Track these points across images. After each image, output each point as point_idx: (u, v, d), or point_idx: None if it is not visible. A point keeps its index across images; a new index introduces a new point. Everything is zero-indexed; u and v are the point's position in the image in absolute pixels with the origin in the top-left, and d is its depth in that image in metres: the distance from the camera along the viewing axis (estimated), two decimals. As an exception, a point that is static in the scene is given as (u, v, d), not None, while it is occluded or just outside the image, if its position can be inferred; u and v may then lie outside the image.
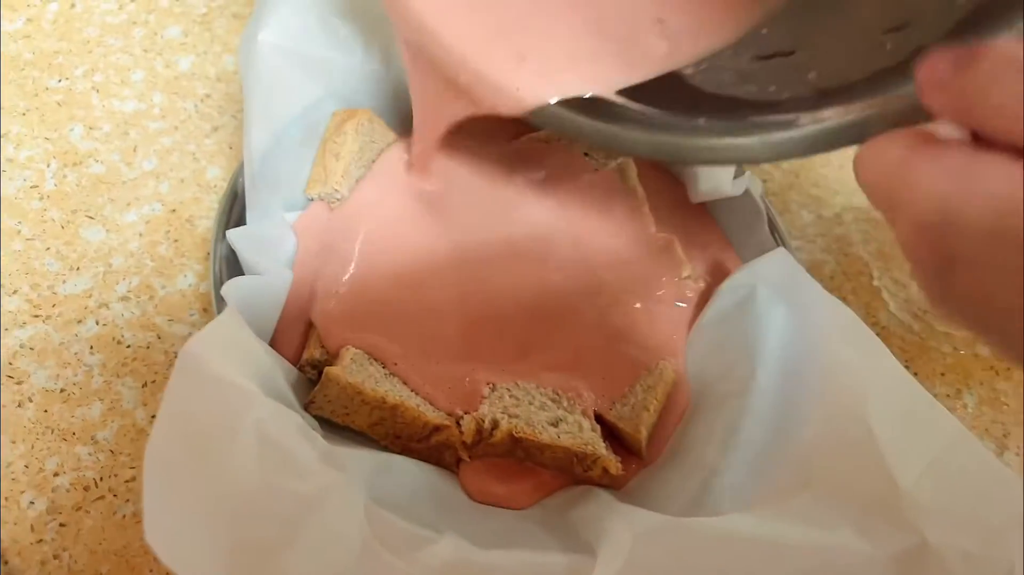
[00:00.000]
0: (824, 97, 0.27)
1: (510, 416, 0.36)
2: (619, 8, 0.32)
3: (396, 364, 0.38)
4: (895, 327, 0.49)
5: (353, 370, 0.35)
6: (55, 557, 0.34)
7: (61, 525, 0.35)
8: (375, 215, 0.41)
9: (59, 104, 0.46)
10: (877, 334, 0.37)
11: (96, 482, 0.36)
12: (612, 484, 0.37)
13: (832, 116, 0.25)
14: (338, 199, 0.41)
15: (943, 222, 0.19)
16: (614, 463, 0.35)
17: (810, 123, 0.25)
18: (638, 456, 0.37)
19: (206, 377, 0.29)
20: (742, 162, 0.32)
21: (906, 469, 0.33)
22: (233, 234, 0.37)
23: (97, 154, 0.45)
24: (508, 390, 0.37)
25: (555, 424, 0.36)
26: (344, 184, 0.41)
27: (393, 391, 0.35)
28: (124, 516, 0.35)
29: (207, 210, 0.44)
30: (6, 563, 0.34)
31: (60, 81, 0.47)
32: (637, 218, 0.42)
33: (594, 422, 0.37)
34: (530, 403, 0.37)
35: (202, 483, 0.28)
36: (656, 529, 0.32)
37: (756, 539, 0.31)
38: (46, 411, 0.37)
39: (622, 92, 0.31)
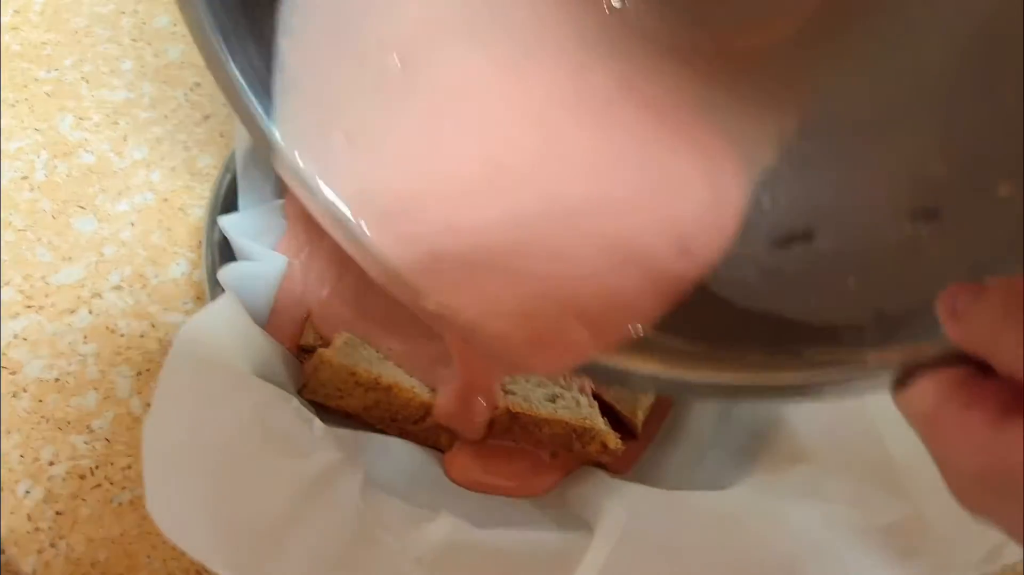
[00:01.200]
0: (883, 324, 0.23)
1: (507, 392, 0.36)
2: (635, 233, 0.28)
3: (391, 349, 0.37)
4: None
5: (347, 352, 0.35)
6: (52, 545, 0.34)
7: (58, 513, 0.35)
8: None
9: (48, 95, 0.46)
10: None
11: (92, 470, 0.36)
12: (612, 465, 0.37)
13: (896, 356, 0.21)
14: (329, 184, 0.41)
15: (985, 482, 0.18)
16: (613, 437, 0.35)
17: (879, 365, 0.21)
18: (633, 436, 0.37)
19: (203, 361, 0.30)
20: (801, 399, 0.28)
21: (901, 440, 0.33)
22: (225, 221, 0.37)
23: (87, 144, 0.45)
24: None
25: (552, 400, 0.36)
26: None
27: (388, 372, 0.35)
28: (120, 504, 0.35)
29: (199, 198, 0.44)
30: (3, 552, 0.34)
31: (49, 72, 0.47)
32: None
33: (591, 398, 0.37)
34: (527, 380, 0.37)
35: (202, 463, 0.28)
36: (651, 504, 0.32)
37: (751, 512, 0.31)
38: (41, 401, 0.37)
39: (660, 328, 0.27)
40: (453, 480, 0.35)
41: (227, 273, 0.34)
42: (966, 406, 0.18)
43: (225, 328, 0.31)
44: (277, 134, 0.27)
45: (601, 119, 0.29)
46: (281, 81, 0.27)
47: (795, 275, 0.27)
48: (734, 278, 0.27)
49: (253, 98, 0.27)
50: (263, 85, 0.27)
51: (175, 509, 0.27)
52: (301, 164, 0.27)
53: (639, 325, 0.26)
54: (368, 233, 0.28)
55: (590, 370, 0.26)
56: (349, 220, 0.27)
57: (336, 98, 0.28)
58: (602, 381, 0.27)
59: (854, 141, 0.28)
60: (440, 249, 0.28)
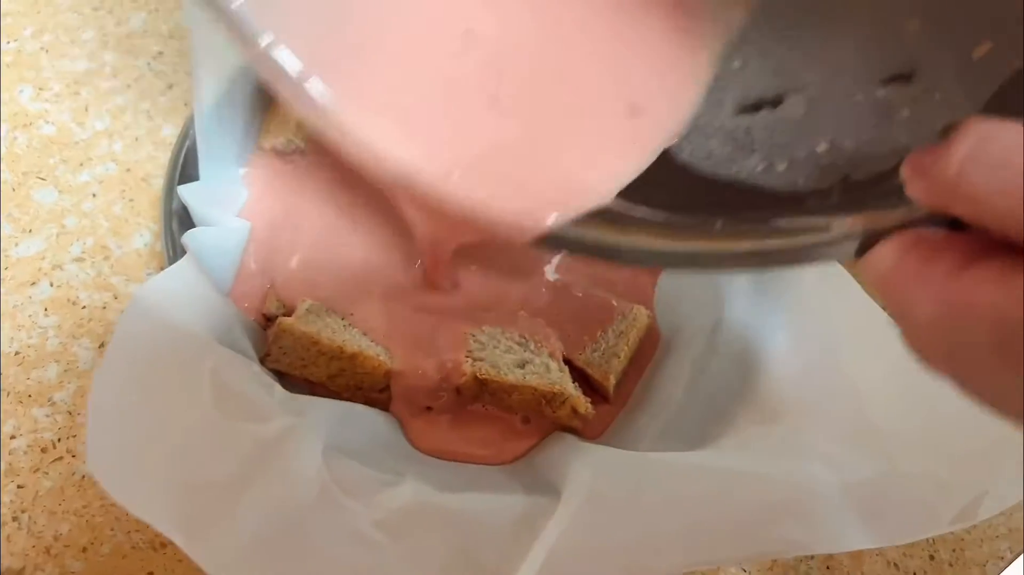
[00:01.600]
0: (848, 190, 0.23)
1: (474, 359, 0.35)
2: (591, 95, 0.27)
3: (353, 315, 0.37)
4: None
5: (309, 320, 0.35)
6: (14, 519, 0.34)
7: (19, 487, 0.34)
8: (330, 171, 0.41)
9: (8, 66, 0.45)
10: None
11: (54, 443, 0.35)
12: (584, 430, 0.36)
13: (860, 223, 0.21)
14: (293, 150, 0.40)
15: (942, 335, 0.17)
16: (583, 402, 0.35)
17: (843, 232, 0.21)
18: (605, 401, 0.37)
19: (159, 322, 0.29)
20: (764, 267, 0.28)
21: (875, 398, 0.32)
22: (184, 190, 0.36)
23: (47, 115, 0.44)
24: (473, 335, 0.37)
25: (521, 366, 0.36)
26: (299, 135, 0.40)
27: (352, 341, 0.35)
28: (83, 476, 0.35)
29: (163, 168, 0.43)
30: (-36, 527, 0.33)
31: (9, 43, 0.46)
32: None
33: (562, 363, 0.36)
34: (495, 347, 0.36)
35: (153, 422, 0.27)
36: (617, 464, 0.31)
37: (720, 471, 0.31)
38: (1, 374, 0.36)
39: (622, 196, 0.26)
40: (417, 448, 0.35)
41: (191, 237, 0.33)
42: (926, 260, 0.18)
43: (184, 291, 0.31)
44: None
45: None
46: None
47: (762, 141, 0.26)
48: (700, 145, 0.27)
49: None
50: None
51: (118, 464, 0.26)
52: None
53: (605, 191, 0.26)
54: (325, 92, 0.24)
55: (557, 239, 0.25)
56: (301, 76, 0.24)
57: None
58: (569, 250, 0.26)
59: (828, 3, 0.27)
60: (406, 104, 0.25)
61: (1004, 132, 0.16)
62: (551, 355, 0.36)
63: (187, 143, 0.39)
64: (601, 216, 0.25)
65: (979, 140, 0.17)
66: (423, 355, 0.36)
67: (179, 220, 0.37)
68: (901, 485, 0.31)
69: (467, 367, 0.34)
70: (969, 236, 0.18)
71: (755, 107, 0.27)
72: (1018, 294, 0.16)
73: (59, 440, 0.35)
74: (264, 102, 0.42)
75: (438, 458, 0.35)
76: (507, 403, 0.36)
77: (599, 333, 0.38)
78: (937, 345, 0.18)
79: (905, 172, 0.19)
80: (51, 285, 0.39)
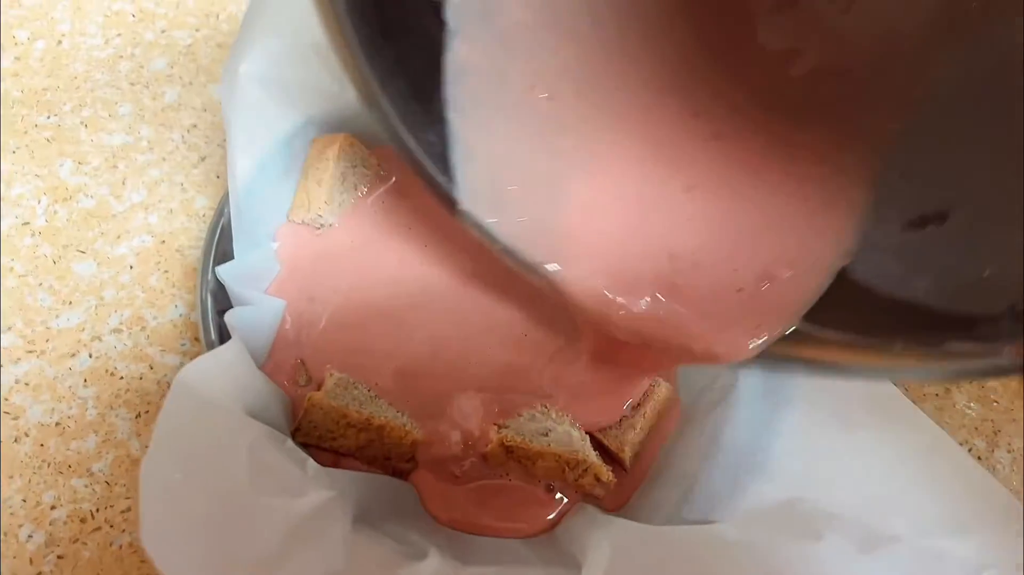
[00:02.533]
0: (1017, 320, 0.23)
1: (500, 427, 0.36)
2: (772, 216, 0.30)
3: (377, 384, 0.38)
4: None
5: (337, 394, 0.36)
6: (54, 589, 0.35)
7: (59, 557, 0.35)
8: (360, 246, 0.42)
9: (48, 140, 0.47)
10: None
11: (92, 514, 0.37)
12: (605, 501, 0.37)
13: None
14: (322, 225, 0.42)
15: None
16: (605, 470, 0.36)
17: (1011, 360, 0.22)
18: (623, 470, 0.38)
19: (200, 402, 0.30)
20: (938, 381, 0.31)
21: (889, 471, 0.33)
22: (221, 270, 0.38)
23: (87, 188, 0.46)
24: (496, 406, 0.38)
25: (545, 434, 0.37)
26: (327, 210, 0.42)
27: (379, 412, 0.36)
28: (120, 547, 0.36)
29: (196, 240, 0.45)
30: (6, 597, 0.35)
31: (49, 118, 0.48)
32: None
33: (583, 433, 0.38)
34: (518, 415, 0.37)
35: (196, 499, 0.28)
36: (638, 539, 0.32)
37: (738, 546, 0.32)
38: (42, 445, 0.38)
39: (809, 319, 0.29)
40: (438, 519, 0.36)
41: (232, 317, 0.35)
42: None
43: (225, 370, 0.32)
44: (460, 198, 0.30)
45: (713, 164, 0.32)
46: (458, 152, 0.30)
47: (931, 259, 0.27)
48: (872, 263, 0.28)
49: (439, 174, 0.30)
50: (442, 158, 0.30)
51: (170, 545, 0.27)
52: (484, 221, 0.30)
53: (795, 314, 0.29)
54: (552, 270, 0.31)
55: (757, 360, 0.29)
56: (537, 263, 0.31)
57: (499, 149, 0.31)
58: (771, 367, 0.29)
59: (981, 111, 0.28)
60: (615, 272, 0.31)
61: None
62: (572, 424, 0.38)
63: (221, 220, 0.41)
64: (793, 336, 0.28)
65: None
66: (448, 424, 0.37)
67: (213, 296, 0.38)
68: (914, 557, 0.32)
69: (494, 434, 0.35)
70: None
71: (921, 223, 0.28)
72: None
73: (97, 510, 0.37)
74: (293, 178, 0.43)
75: (461, 531, 0.36)
76: (531, 471, 0.37)
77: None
78: None
79: None
80: (90, 356, 0.40)
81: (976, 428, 0.46)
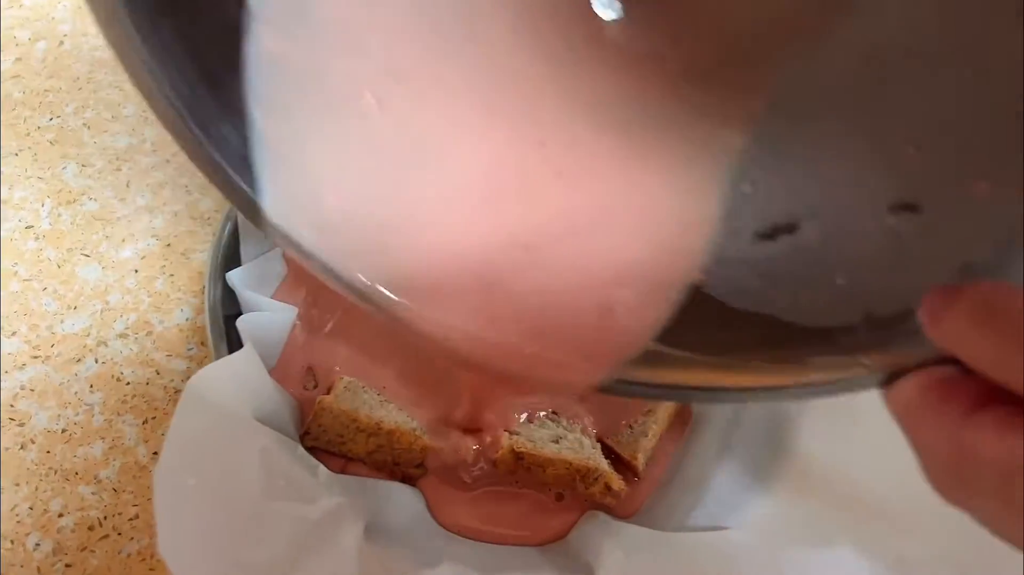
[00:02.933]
0: (872, 326, 0.23)
1: (511, 433, 0.36)
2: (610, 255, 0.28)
3: (385, 388, 0.38)
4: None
5: (346, 398, 0.36)
6: (62, 598, 0.35)
7: (67, 566, 0.35)
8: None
9: (51, 143, 0.47)
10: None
11: (100, 521, 0.36)
12: (616, 509, 0.37)
13: (885, 362, 0.21)
14: (330, 228, 0.42)
15: (950, 473, 0.19)
16: (616, 478, 0.36)
17: (870, 372, 0.22)
18: (634, 476, 0.38)
19: (211, 408, 0.30)
20: (797, 399, 0.29)
21: (902, 479, 0.33)
22: (233, 275, 0.38)
23: (91, 191, 0.45)
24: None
25: (556, 441, 0.36)
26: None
27: (389, 417, 0.36)
28: (129, 555, 0.36)
29: (201, 243, 0.44)
30: (14, 605, 0.34)
31: (52, 119, 0.48)
32: None
33: (594, 440, 0.37)
34: (529, 422, 0.37)
35: (208, 505, 0.28)
36: (648, 545, 0.32)
37: (750, 553, 0.32)
38: (48, 452, 0.37)
39: (663, 341, 0.27)
40: (446, 527, 0.36)
41: (245, 322, 0.35)
42: (942, 400, 0.19)
43: (236, 377, 0.32)
44: (266, 208, 0.26)
45: (574, 150, 0.29)
46: (261, 152, 0.26)
47: (785, 272, 0.27)
48: (727, 278, 0.27)
49: (237, 177, 0.25)
50: (242, 159, 0.25)
51: (185, 553, 0.27)
52: (293, 234, 0.26)
53: (642, 338, 0.26)
54: (369, 283, 0.27)
55: (606, 387, 0.26)
56: (350, 275, 0.27)
57: (318, 156, 0.27)
58: (617, 394, 0.27)
59: (826, 121, 0.27)
60: (440, 279, 0.27)
61: (1004, 297, 0.18)
62: (583, 432, 0.37)
63: (228, 224, 0.40)
64: (644, 358, 0.26)
65: (980, 301, 0.18)
66: (459, 430, 0.37)
67: (221, 302, 0.38)
68: (928, 566, 0.31)
69: (505, 441, 0.35)
70: (980, 379, 0.18)
71: (772, 234, 0.27)
72: (1016, 447, 0.17)
73: (105, 518, 0.36)
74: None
75: (469, 538, 0.36)
76: (541, 478, 0.37)
77: (635, 414, 0.39)
78: (950, 482, 0.19)
79: (921, 315, 0.20)
80: (96, 361, 0.40)
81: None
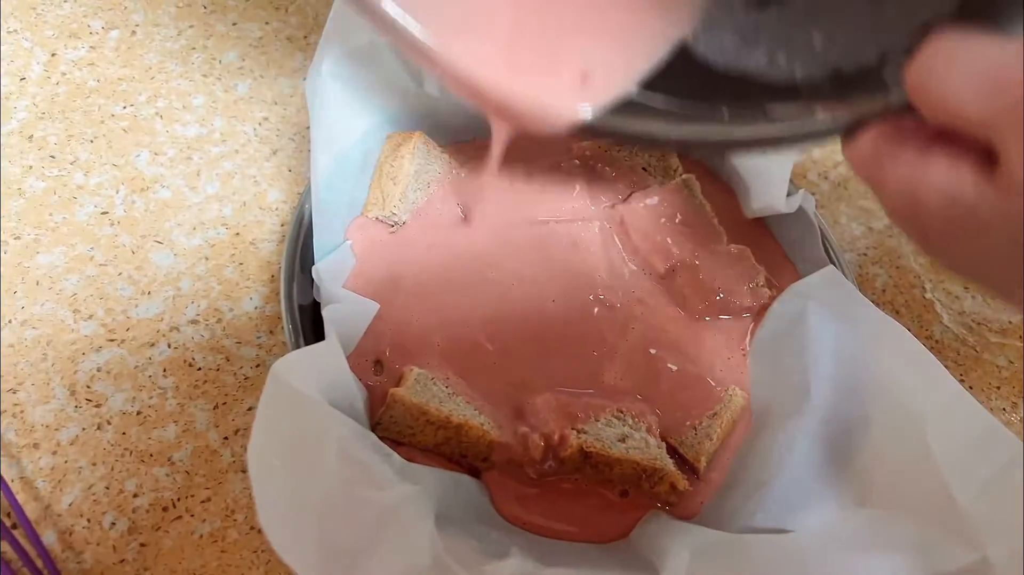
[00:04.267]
0: (837, 83, 0.27)
1: (579, 432, 0.37)
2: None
3: (448, 379, 0.38)
4: (949, 340, 0.49)
5: (417, 391, 0.36)
6: (137, 575, 0.36)
7: (142, 545, 0.36)
8: (432, 243, 0.43)
9: (125, 131, 0.48)
10: (931, 347, 0.37)
11: (174, 503, 0.37)
12: (679, 510, 0.37)
13: (843, 110, 0.25)
14: (396, 222, 0.42)
15: (908, 208, 0.22)
16: (681, 478, 0.36)
17: (826, 117, 0.25)
18: (696, 477, 0.38)
19: (294, 394, 0.31)
20: (764, 150, 0.32)
21: (965, 487, 0.33)
22: (320, 267, 0.38)
23: (163, 179, 0.46)
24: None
25: (622, 440, 0.37)
26: (401, 207, 0.42)
27: (457, 410, 0.36)
28: (201, 536, 0.37)
29: (269, 233, 0.45)
30: (91, 581, 0.35)
31: (124, 108, 0.49)
32: (710, 231, 0.43)
33: (659, 440, 0.38)
34: (596, 420, 0.38)
35: (294, 486, 0.29)
36: (715, 546, 0.33)
37: (813, 558, 0.32)
38: (124, 433, 0.38)
39: (645, 86, 0.29)
40: (510, 521, 0.36)
41: (331, 312, 0.35)
42: (897, 143, 0.22)
43: (317, 365, 0.33)
44: None
45: None
46: None
47: (768, 33, 0.29)
48: (713, 40, 0.30)
49: None
50: None
51: (279, 529, 0.28)
52: None
53: (631, 82, 0.29)
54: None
55: (587, 128, 0.29)
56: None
57: None
58: (596, 136, 0.32)
59: None
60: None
61: (961, 48, 0.20)
62: (648, 431, 0.38)
63: (302, 215, 0.41)
64: (625, 106, 0.29)
65: (939, 54, 0.21)
66: (527, 427, 0.37)
67: (299, 289, 0.39)
68: (989, 573, 0.31)
69: (574, 439, 0.36)
70: (929, 125, 0.22)
71: (763, 3, 0.30)
72: (964, 177, 0.21)
73: (178, 499, 0.37)
74: (368, 173, 0.44)
75: (532, 533, 0.36)
76: (607, 477, 0.37)
77: (700, 417, 0.39)
78: (904, 216, 0.23)
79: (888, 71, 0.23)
80: (169, 346, 0.41)
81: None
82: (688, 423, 0.38)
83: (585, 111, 0.28)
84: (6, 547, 0.34)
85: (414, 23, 0.27)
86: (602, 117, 0.28)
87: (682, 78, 0.29)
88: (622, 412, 0.38)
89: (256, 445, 0.28)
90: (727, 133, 0.28)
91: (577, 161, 0.47)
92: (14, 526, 0.35)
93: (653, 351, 0.40)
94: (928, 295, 0.51)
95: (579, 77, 0.29)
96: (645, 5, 0.29)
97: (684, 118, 0.29)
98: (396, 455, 0.33)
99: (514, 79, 0.29)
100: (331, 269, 0.39)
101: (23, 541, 0.35)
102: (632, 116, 0.29)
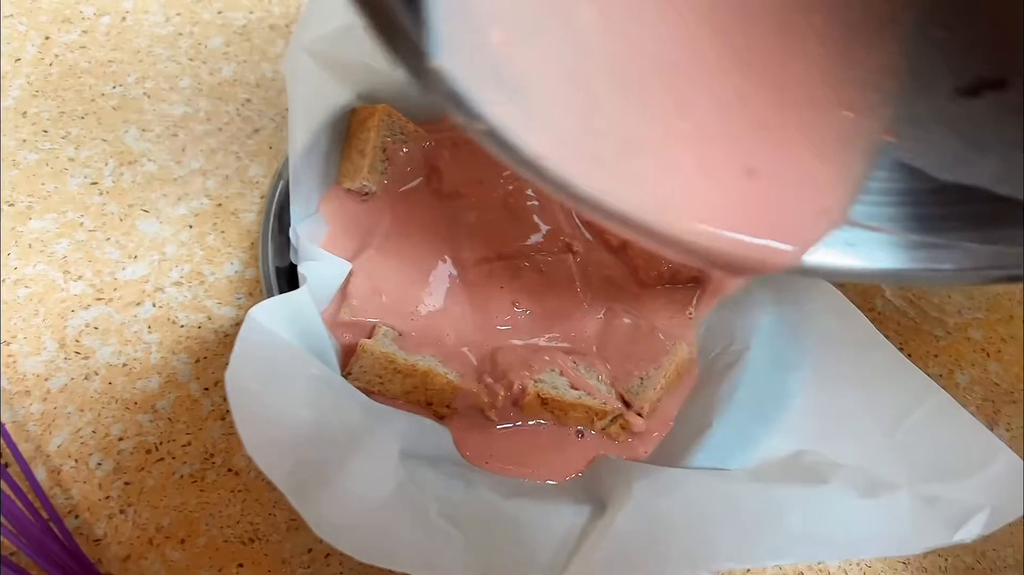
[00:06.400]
0: None
1: (535, 381, 0.40)
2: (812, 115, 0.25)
3: (421, 341, 0.41)
4: (891, 312, 0.53)
5: (386, 343, 0.39)
6: (121, 511, 0.38)
7: (126, 483, 0.39)
8: (400, 212, 0.45)
9: (114, 108, 0.51)
10: (872, 319, 0.40)
11: (156, 446, 0.40)
12: (629, 450, 0.40)
13: None
14: (367, 192, 0.45)
15: None
16: (634, 417, 0.39)
17: None
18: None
19: (268, 334, 0.33)
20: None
21: (887, 427, 0.36)
22: (299, 227, 0.41)
23: (150, 154, 0.49)
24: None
25: (575, 387, 0.40)
26: (371, 178, 0.45)
27: (423, 361, 0.39)
28: (181, 476, 0.39)
29: (250, 204, 0.48)
30: (77, 517, 0.38)
31: (114, 87, 0.52)
32: None
33: (610, 386, 0.41)
34: (551, 370, 0.41)
35: (269, 410, 0.31)
36: (655, 481, 0.35)
37: (749, 487, 0.35)
38: (111, 383, 0.41)
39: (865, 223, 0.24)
40: (468, 460, 0.39)
41: (305, 268, 0.38)
42: None
43: (291, 312, 0.35)
44: (440, 54, 0.21)
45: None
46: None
47: (993, 134, 0.23)
48: (922, 140, 0.24)
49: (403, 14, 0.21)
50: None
51: (254, 439, 0.30)
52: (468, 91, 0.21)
53: (844, 217, 0.24)
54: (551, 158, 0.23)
55: (813, 270, 0.24)
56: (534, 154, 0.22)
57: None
58: (828, 277, 0.25)
59: None
60: (628, 155, 0.24)
61: None
62: (600, 379, 0.41)
63: (280, 182, 0.44)
64: (847, 243, 0.24)
65: None
66: (488, 375, 0.40)
67: (271, 253, 0.42)
68: (911, 501, 0.34)
69: (531, 387, 0.39)
70: None
71: (974, 90, 0.23)
72: None
73: (161, 443, 0.40)
74: (340, 150, 0.47)
75: (494, 473, 0.39)
76: (563, 421, 0.40)
77: (647, 368, 0.42)
78: None
79: None
80: (153, 306, 0.44)
81: (977, 407, 0.49)
82: (636, 373, 0.41)
83: (801, 257, 0.24)
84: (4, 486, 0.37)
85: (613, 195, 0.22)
86: (827, 256, 0.24)
87: (903, 201, 0.24)
88: (575, 362, 0.41)
89: (234, 370, 0.31)
90: (978, 263, 0.22)
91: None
92: (7, 464, 0.38)
93: (610, 308, 0.43)
94: (872, 271, 0.54)
95: (804, 214, 0.24)
96: (824, 99, 0.24)
97: (922, 248, 0.23)
98: (363, 395, 0.36)
99: (739, 231, 0.24)
100: (308, 231, 0.41)
101: (16, 478, 0.37)
102: (855, 249, 0.24)
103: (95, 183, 0.47)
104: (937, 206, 0.24)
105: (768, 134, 0.24)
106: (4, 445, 0.38)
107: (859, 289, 0.53)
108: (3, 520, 0.35)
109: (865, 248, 0.24)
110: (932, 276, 0.23)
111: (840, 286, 0.53)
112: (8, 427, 0.39)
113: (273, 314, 0.34)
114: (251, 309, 0.33)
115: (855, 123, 0.24)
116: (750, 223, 0.24)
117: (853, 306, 0.40)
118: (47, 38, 0.53)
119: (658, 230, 0.23)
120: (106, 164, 0.48)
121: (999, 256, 0.22)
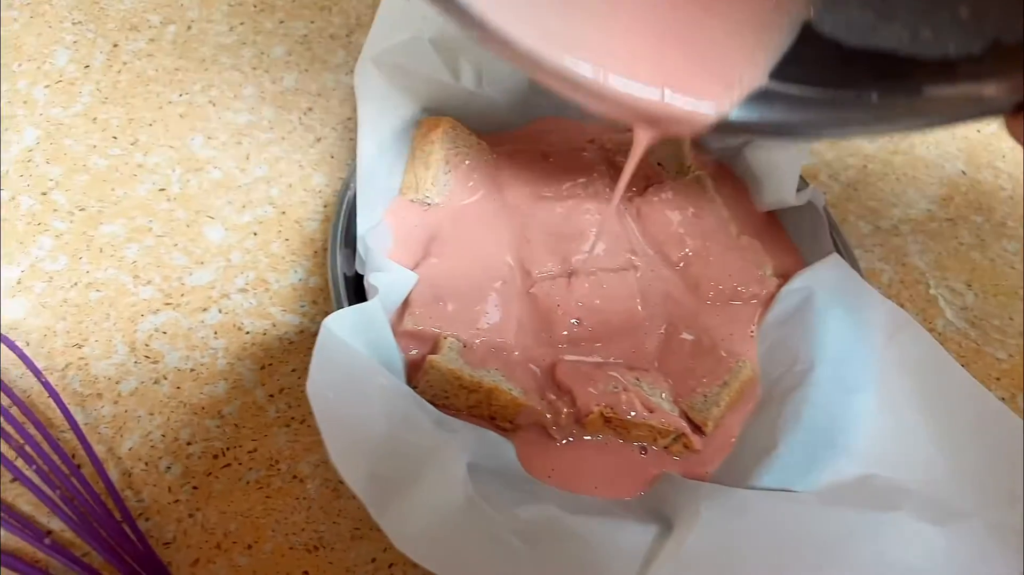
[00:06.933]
0: (1001, 57, 0.23)
1: (600, 405, 0.40)
2: None
3: (487, 353, 0.41)
4: (951, 333, 0.52)
5: (452, 358, 0.39)
6: (190, 515, 0.39)
7: (194, 488, 0.39)
8: (463, 224, 0.46)
9: (180, 116, 0.51)
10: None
11: (223, 451, 0.40)
12: (692, 468, 0.40)
13: (1012, 90, 0.22)
14: (429, 204, 0.46)
15: None
16: (695, 438, 0.39)
17: (994, 99, 0.22)
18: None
19: (342, 344, 0.34)
20: (921, 130, 0.27)
21: (955, 451, 0.36)
22: (368, 237, 0.42)
23: (215, 161, 0.50)
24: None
25: (639, 406, 0.40)
26: (434, 190, 0.45)
27: (488, 377, 0.39)
28: (248, 482, 0.40)
29: (313, 212, 0.49)
30: (147, 519, 0.38)
31: (181, 96, 0.52)
32: (721, 224, 0.46)
33: (674, 405, 0.41)
34: (614, 387, 0.41)
35: (345, 421, 0.32)
36: (723, 501, 0.35)
37: (818, 511, 0.35)
38: (179, 388, 0.42)
39: (776, 76, 0.27)
40: (531, 474, 0.39)
41: (375, 279, 0.38)
42: None
43: (363, 323, 0.36)
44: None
45: None
46: None
47: (903, 6, 0.26)
48: (838, 15, 0.27)
49: None
50: None
51: (335, 447, 0.31)
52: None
53: (760, 75, 0.27)
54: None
55: (728, 126, 0.27)
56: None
57: None
58: (736, 132, 0.29)
59: None
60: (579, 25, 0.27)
61: None
62: (663, 397, 0.41)
63: (348, 192, 0.44)
64: (761, 97, 0.27)
65: None
66: (552, 392, 0.40)
67: (339, 262, 0.42)
68: (982, 529, 0.34)
69: (595, 406, 0.39)
70: None
71: None
72: None
73: (228, 449, 0.40)
74: (404, 161, 0.47)
75: (557, 488, 0.39)
76: (625, 438, 0.40)
77: (710, 385, 0.42)
78: None
79: None
80: (220, 312, 0.44)
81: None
82: (699, 391, 0.41)
83: (729, 109, 0.27)
84: (76, 483, 0.38)
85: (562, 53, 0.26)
86: (745, 112, 0.27)
87: (814, 62, 0.27)
88: (638, 379, 0.41)
89: (313, 378, 0.31)
90: (878, 117, 0.26)
91: (592, 152, 0.50)
92: (80, 466, 0.39)
93: (670, 324, 0.43)
94: (932, 291, 0.54)
95: (719, 75, 0.27)
96: None
97: (826, 104, 0.26)
98: (432, 407, 0.36)
99: (665, 87, 0.27)
100: (374, 242, 0.42)
101: (90, 479, 0.38)
102: (770, 107, 0.27)
103: (163, 189, 0.48)
104: (848, 66, 0.27)
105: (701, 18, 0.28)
106: (79, 446, 0.38)
107: (919, 308, 0.53)
108: (75, 519, 0.36)
109: (782, 104, 0.27)
110: (842, 122, 0.27)
111: (901, 307, 0.53)
112: (82, 429, 0.39)
113: (345, 324, 0.35)
114: (325, 319, 0.33)
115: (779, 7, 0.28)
116: (677, 80, 0.27)
117: (919, 325, 0.40)
118: (115, 45, 0.54)
119: (591, 83, 0.26)
120: (173, 170, 0.49)
121: (907, 107, 0.25)
